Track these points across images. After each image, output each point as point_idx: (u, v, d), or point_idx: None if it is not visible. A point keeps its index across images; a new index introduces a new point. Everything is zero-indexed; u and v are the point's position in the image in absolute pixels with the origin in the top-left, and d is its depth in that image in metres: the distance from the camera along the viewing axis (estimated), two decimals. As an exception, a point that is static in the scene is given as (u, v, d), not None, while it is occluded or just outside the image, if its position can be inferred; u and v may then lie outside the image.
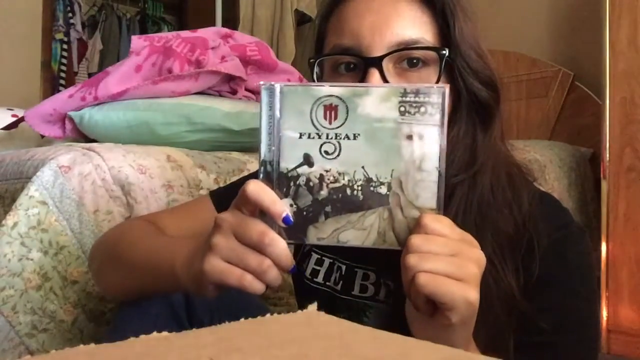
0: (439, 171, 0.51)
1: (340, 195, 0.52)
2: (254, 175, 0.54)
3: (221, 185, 1.10)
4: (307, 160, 0.52)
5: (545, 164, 1.90)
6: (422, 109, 0.50)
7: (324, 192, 0.53)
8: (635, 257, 1.66)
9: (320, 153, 0.52)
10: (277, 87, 0.52)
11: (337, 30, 0.68)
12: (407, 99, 0.50)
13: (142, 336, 0.30)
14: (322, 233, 0.53)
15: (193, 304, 0.69)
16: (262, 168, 0.53)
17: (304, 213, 0.53)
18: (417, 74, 0.64)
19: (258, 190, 0.51)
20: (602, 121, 1.74)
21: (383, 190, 0.52)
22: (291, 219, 0.52)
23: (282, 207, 0.51)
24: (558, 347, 0.63)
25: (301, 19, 3.25)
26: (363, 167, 0.52)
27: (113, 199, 0.99)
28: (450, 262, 0.49)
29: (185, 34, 1.33)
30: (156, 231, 0.73)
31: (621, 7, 1.72)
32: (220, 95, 1.34)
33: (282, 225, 0.51)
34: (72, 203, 0.96)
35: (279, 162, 0.53)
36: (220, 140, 1.24)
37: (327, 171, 0.52)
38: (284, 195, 0.53)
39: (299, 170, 0.53)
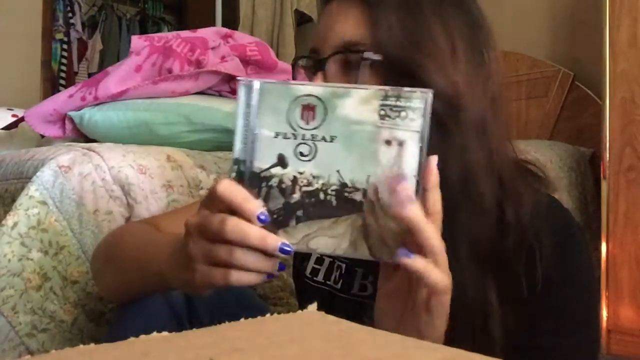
0: (417, 179, 0.49)
1: (312, 199, 0.50)
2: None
3: (221, 185, 1.09)
4: (281, 161, 0.51)
5: (545, 164, 1.90)
6: (403, 114, 0.48)
7: (296, 196, 0.51)
8: (635, 257, 1.66)
9: (295, 154, 0.50)
10: (255, 83, 0.50)
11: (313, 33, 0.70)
12: (388, 102, 0.49)
13: (142, 336, 0.30)
14: (292, 238, 0.51)
15: (193, 303, 0.69)
16: (234, 167, 0.51)
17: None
18: (354, 77, 0.63)
19: (230, 188, 0.49)
20: (602, 121, 1.74)
21: (358, 196, 0.50)
22: (267, 216, 0.49)
23: (256, 204, 0.49)
24: (559, 350, 0.63)
25: (301, 19, 3.25)
26: (338, 172, 0.50)
27: (113, 199, 0.99)
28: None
29: (185, 34, 1.33)
30: (150, 232, 0.73)
31: (621, 7, 1.71)
32: (220, 95, 1.34)
33: (258, 224, 0.48)
34: (72, 203, 0.96)
35: (253, 162, 0.51)
36: (221, 140, 1.23)
37: (300, 173, 0.50)
38: (255, 196, 0.51)
39: (272, 171, 0.51)
